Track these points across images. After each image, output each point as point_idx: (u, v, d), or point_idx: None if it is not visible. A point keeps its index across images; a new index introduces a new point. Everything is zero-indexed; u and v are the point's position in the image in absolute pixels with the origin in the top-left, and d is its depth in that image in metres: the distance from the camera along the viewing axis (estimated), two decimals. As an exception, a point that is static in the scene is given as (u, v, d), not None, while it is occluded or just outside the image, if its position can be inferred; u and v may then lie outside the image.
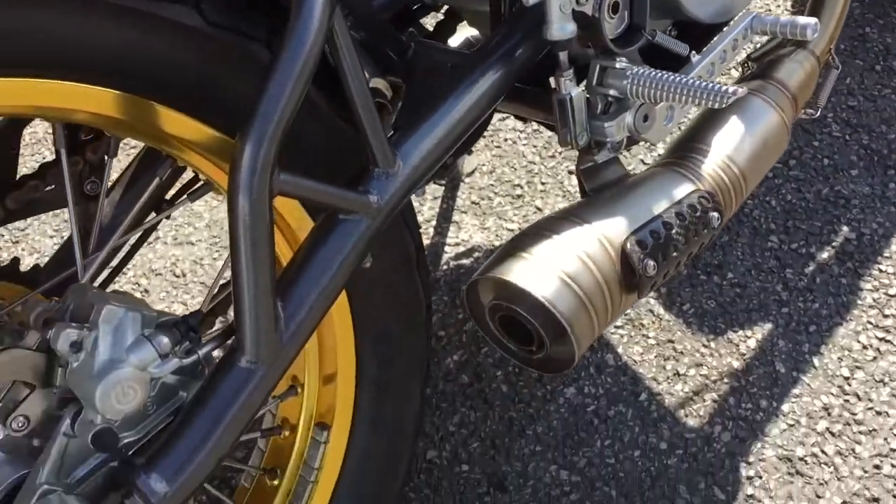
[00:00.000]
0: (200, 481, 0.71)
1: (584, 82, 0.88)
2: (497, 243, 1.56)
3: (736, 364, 1.35)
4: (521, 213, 1.60)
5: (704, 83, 0.79)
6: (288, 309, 0.73)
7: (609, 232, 0.80)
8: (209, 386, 0.72)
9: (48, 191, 0.88)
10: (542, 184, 1.64)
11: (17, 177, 0.87)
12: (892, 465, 1.22)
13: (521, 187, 1.64)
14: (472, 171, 1.68)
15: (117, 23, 0.69)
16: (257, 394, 0.73)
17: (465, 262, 1.54)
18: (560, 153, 1.70)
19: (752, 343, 1.37)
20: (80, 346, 0.67)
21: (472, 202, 1.63)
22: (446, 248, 1.56)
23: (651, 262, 0.80)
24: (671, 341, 1.39)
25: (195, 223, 1.64)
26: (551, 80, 0.86)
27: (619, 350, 1.39)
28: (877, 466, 1.22)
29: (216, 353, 0.75)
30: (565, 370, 0.81)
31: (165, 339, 0.69)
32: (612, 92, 0.86)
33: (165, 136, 0.77)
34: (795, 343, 1.37)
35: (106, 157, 0.86)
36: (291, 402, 1.01)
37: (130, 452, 0.72)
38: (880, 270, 1.45)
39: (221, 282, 0.99)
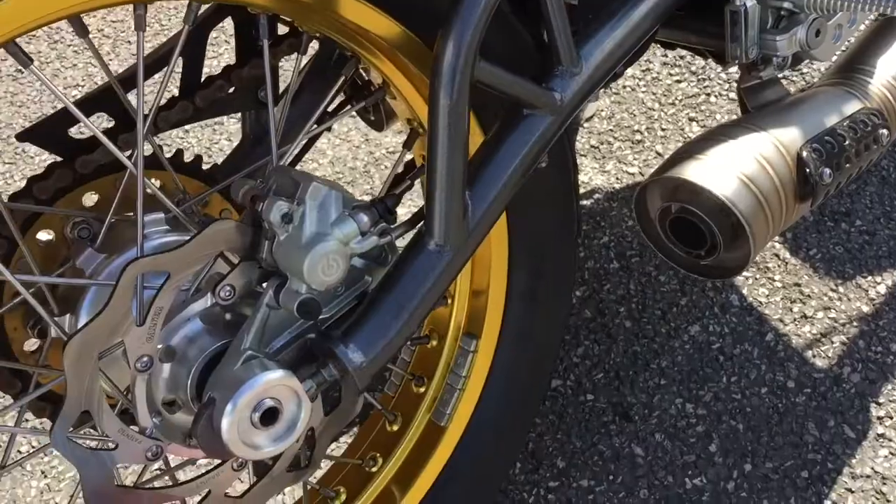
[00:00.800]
0: (391, 355, 0.75)
1: (757, -4, 0.88)
2: (617, 186, 1.57)
3: (865, 308, 1.34)
4: (642, 157, 1.61)
5: (890, -9, 0.79)
6: (474, 198, 0.76)
7: (784, 138, 0.81)
8: (400, 266, 0.75)
9: (230, 93, 0.92)
10: (663, 130, 1.65)
11: (203, 78, 0.92)
12: None
13: (641, 133, 1.65)
14: (591, 117, 1.69)
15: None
16: (445, 276, 0.76)
17: (586, 203, 1.55)
18: (680, 101, 1.70)
19: (881, 289, 1.36)
20: (290, 218, 0.71)
21: (592, 146, 1.64)
22: (566, 190, 1.57)
23: (827, 170, 0.80)
24: (797, 285, 1.39)
25: (319, 159, 1.69)
26: (726, -9, 0.87)
27: (744, 291, 1.39)
28: None
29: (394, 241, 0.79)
30: (733, 276, 0.82)
31: (365, 218, 0.73)
32: (785, 5, 0.87)
33: (353, 31, 0.81)
34: (927, 290, 1.35)
35: (282, 62, 0.89)
36: (439, 312, 1.04)
37: (324, 327, 0.76)
38: None
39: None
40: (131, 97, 0.83)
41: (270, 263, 0.74)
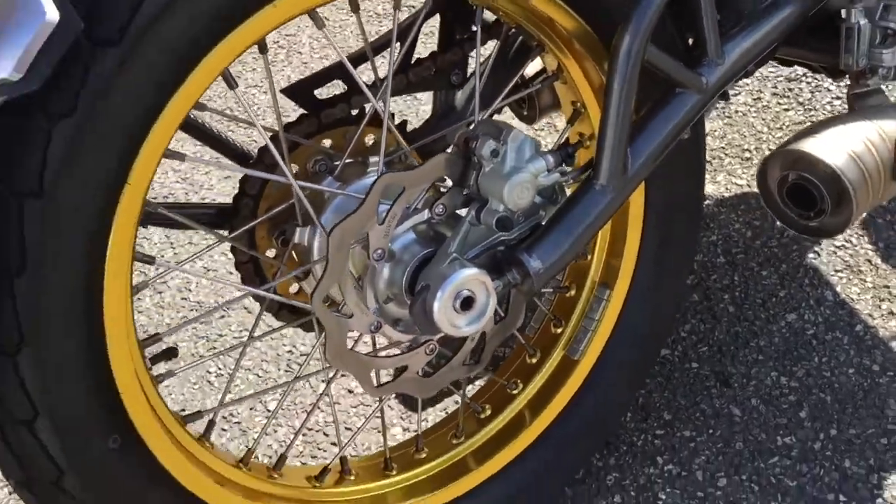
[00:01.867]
0: (561, 268, 0.98)
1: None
2: (726, 194, 1.77)
3: (949, 310, 1.50)
4: (750, 172, 1.80)
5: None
6: (633, 154, 0.99)
7: (886, 128, 1.01)
8: (572, 200, 0.98)
9: (433, 73, 1.16)
10: (770, 150, 1.84)
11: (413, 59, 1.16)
12: None
13: (750, 151, 1.84)
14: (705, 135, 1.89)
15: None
16: (605, 211, 0.98)
17: (697, 207, 1.75)
18: (787, 126, 1.89)
19: (965, 295, 1.52)
20: (497, 153, 0.94)
21: (705, 159, 1.84)
22: (679, 195, 1.77)
23: (919, 155, 1.00)
24: (887, 286, 1.56)
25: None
26: (843, 11, 1.08)
27: (838, 289, 1.56)
28: None
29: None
30: (832, 236, 1.02)
31: (552, 159, 0.96)
32: (892, 25, 1.07)
33: (543, 22, 1.04)
34: None
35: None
36: (580, 265, 1.25)
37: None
38: None
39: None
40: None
41: (474, 190, 0.97)
